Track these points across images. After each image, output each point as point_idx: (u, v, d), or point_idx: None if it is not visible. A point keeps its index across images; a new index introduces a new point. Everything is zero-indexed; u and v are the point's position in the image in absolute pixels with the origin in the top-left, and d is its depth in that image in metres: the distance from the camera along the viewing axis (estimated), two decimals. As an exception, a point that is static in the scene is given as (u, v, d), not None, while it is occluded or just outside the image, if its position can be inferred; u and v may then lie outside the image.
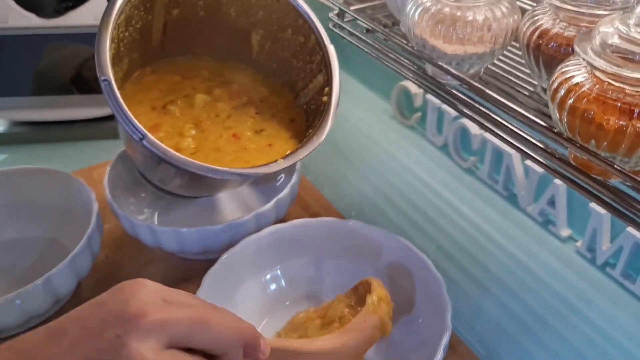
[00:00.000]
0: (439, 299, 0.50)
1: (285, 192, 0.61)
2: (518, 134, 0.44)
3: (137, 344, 0.30)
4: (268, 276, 0.57)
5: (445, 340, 0.46)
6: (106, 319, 0.31)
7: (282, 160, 0.52)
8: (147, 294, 0.33)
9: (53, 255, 0.64)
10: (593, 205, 0.63)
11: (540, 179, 0.69)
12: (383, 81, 0.93)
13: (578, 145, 0.39)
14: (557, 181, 0.66)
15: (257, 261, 0.57)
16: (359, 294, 0.50)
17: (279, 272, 0.58)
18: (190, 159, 0.47)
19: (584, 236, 0.66)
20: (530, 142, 0.43)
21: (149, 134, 0.46)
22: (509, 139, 0.44)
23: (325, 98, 0.56)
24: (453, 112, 0.80)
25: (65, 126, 0.87)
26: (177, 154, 0.47)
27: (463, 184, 0.78)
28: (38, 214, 0.67)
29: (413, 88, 0.85)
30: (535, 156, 0.43)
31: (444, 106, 0.81)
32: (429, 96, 0.82)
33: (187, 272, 0.63)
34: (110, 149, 0.85)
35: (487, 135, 0.75)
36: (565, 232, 0.69)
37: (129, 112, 0.46)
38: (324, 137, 0.53)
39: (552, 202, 0.69)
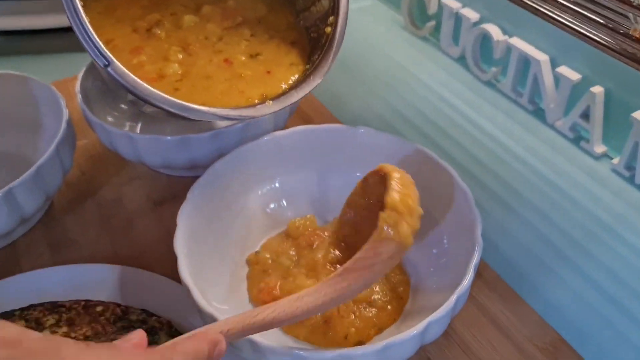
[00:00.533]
0: (467, 214, 0.43)
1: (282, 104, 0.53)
2: (571, 9, 0.35)
3: None
4: (265, 190, 0.50)
5: (476, 258, 0.39)
6: None
7: (270, 102, 0.45)
8: None
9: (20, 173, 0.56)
10: (636, 115, 0.55)
11: (573, 89, 0.61)
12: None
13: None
14: (594, 89, 0.58)
15: (253, 173, 0.49)
16: (370, 192, 0.40)
17: (277, 184, 0.50)
18: (163, 95, 0.41)
19: (621, 152, 0.58)
20: (588, 17, 0.35)
21: (115, 61, 0.40)
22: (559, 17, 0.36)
23: (328, 29, 0.48)
24: (473, 17, 0.71)
25: (39, 36, 0.77)
26: (148, 87, 0.40)
27: (483, 98, 0.70)
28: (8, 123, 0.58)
29: (427, -8, 0.75)
30: (592, 35, 0.35)
31: (463, 11, 0.71)
32: (446, 1, 0.73)
33: (173, 189, 0.56)
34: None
35: (513, 40, 0.66)
36: (600, 148, 0.61)
37: (92, 30, 0.40)
38: (321, 78, 0.46)
39: (585, 115, 0.61)
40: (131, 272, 0.47)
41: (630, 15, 0.34)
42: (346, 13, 0.49)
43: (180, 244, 0.41)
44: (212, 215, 0.46)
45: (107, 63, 0.39)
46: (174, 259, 0.48)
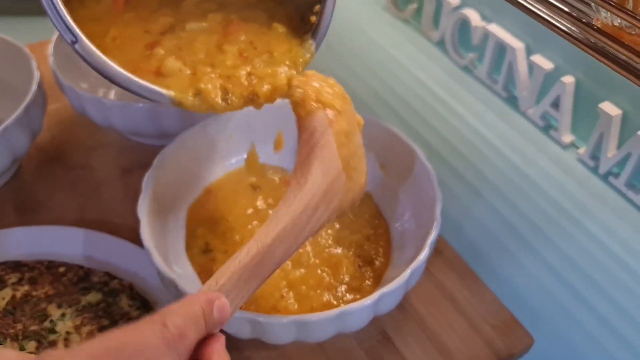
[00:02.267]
0: (429, 192, 0.44)
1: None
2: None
3: None
4: (234, 160, 0.50)
5: (433, 234, 0.40)
6: None
7: None
8: None
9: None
10: (603, 106, 0.56)
11: (546, 78, 0.62)
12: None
13: (614, 3, 0.32)
14: (565, 79, 0.59)
15: (224, 144, 0.49)
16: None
17: (246, 157, 0.51)
18: (131, 77, 0.37)
19: (587, 143, 0.59)
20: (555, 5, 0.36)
21: (83, 38, 0.37)
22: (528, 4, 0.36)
23: (313, 18, 0.46)
24: (454, 1, 0.71)
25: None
26: (117, 68, 0.37)
27: (459, 83, 0.70)
28: None
29: (410, -25, 0.75)
30: (558, 24, 0.36)
31: (444, -5, 0.72)
32: (428, -16, 0.73)
33: (143, 157, 0.55)
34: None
35: (491, 27, 0.66)
36: (567, 137, 0.62)
37: (60, 4, 0.37)
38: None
39: (555, 105, 0.61)
40: (96, 236, 0.47)
41: (592, 5, 0.35)
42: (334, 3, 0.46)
43: (143, 209, 0.41)
44: (176, 183, 0.46)
45: (74, 40, 0.37)
46: (139, 224, 0.48)
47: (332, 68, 0.72)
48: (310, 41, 0.45)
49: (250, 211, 0.47)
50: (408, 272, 0.38)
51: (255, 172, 0.50)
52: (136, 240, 0.48)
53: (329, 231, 0.46)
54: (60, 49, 0.55)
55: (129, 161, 0.56)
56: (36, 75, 0.51)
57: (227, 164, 0.50)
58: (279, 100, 0.50)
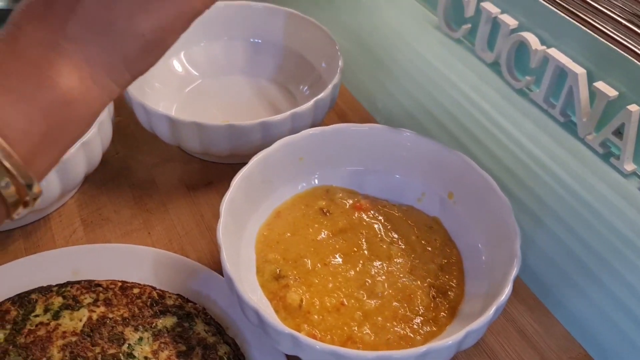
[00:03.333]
0: (505, 225, 0.43)
1: (325, 93, 0.53)
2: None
3: None
4: (304, 184, 0.50)
5: (514, 271, 0.40)
6: None
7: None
8: None
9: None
10: (671, 136, 0.55)
11: (609, 105, 0.61)
12: (430, -15, 0.83)
13: None
14: (631, 107, 0.58)
15: (293, 167, 0.49)
16: None
17: (316, 181, 0.50)
18: None
19: (651, 172, 0.59)
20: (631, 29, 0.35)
21: None
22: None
23: None
24: (512, 23, 0.70)
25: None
26: None
27: (514, 106, 0.70)
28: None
29: (466, -6, 0.75)
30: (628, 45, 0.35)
31: (501, 17, 0.71)
32: (485, 4, 0.73)
33: (208, 175, 0.56)
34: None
35: (551, 51, 0.66)
36: (629, 166, 0.61)
37: None
38: None
39: (618, 132, 0.61)
40: (166, 257, 0.47)
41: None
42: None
43: (223, 236, 0.41)
44: (248, 206, 0.46)
45: None
46: (207, 245, 0.49)
47: (385, 86, 0.72)
48: None
49: (320, 237, 0.47)
50: (493, 309, 0.38)
51: (324, 196, 0.50)
52: (203, 258, 0.48)
53: (401, 260, 0.46)
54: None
55: (192, 178, 0.56)
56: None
57: (296, 186, 0.50)
58: (348, 126, 0.50)
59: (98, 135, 0.49)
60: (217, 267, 0.47)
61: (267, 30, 0.64)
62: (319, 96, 0.52)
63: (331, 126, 0.50)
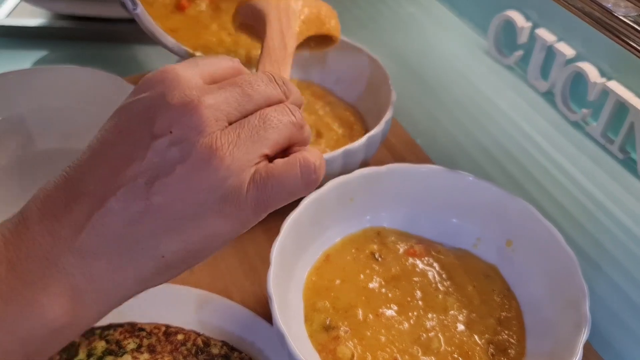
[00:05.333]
0: (570, 282, 0.41)
1: (378, 129, 0.51)
2: None
3: (203, 137, 0.25)
4: (354, 225, 0.48)
5: (584, 336, 0.37)
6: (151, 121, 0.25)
7: None
8: (186, 79, 0.26)
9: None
10: None
11: (674, 145, 0.58)
12: (480, 10, 0.81)
13: None
14: (699, 149, 0.55)
15: (344, 208, 0.47)
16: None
17: (367, 223, 0.48)
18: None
19: None
20: None
21: (141, 6, 0.44)
22: None
23: None
24: (568, 53, 0.67)
25: (113, 24, 0.76)
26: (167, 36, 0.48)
27: (568, 139, 0.67)
28: (82, 122, 0.57)
29: (520, 20, 0.72)
30: None
31: (558, 45, 0.68)
32: (540, 32, 0.70)
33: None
34: (166, 57, 0.75)
35: (611, 84, 0.63)
36: (695, 210, 0.58)
37: None
38: None
39: (683, 173, 0.57)
40: (210, 298, 0.45)
41: None
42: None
43: (274, 286, 0.39)
44: (297, 249, 0.44)
45: (134, 7, 0.42)
46: (251, 286, 0.47)
47: (433, 113, 0.69)
48: None
49: (372, 284, 0.45)
50: (563, 379, 0.35)
51: (376, 239, 0.48)
52: (247, 301, 0.47)
53: (457, 312, 0.43)
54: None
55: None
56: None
57: (346, 228, 0.48)
58: (402, 166, 0.48)
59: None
60: (263, 311, 0.45)
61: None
62: (372, 132, 0.50)
63: (385, 166, 0.47)
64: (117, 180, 0.25)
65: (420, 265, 0.46)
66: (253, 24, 0.45)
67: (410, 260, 0.47)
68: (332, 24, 0.48)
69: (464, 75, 0.75)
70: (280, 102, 0.28)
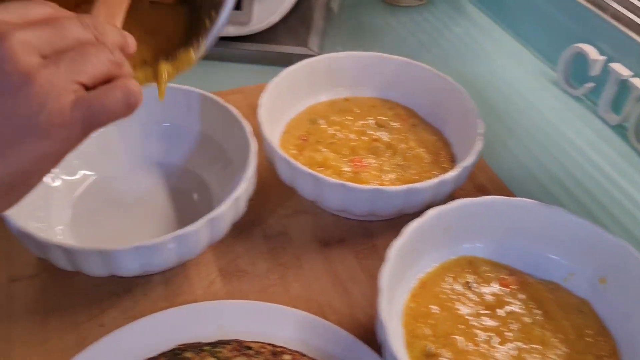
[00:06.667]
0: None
1: (470, 159, 0.53)
2: None
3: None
4: (449, 254, 0.49)
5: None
6: None
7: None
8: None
9: (186, 188, 0.57)
10: None
11: None
12: (548, 41, 0.82)
13: None
14: None
15: (440, 236, 0.48)
16: None
17: (461, 252, 0.49)
18: None
19: None
20: None
21: None
22: None
23: (207, 22, 0.45)
24: (645, 89, 0.68)
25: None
26: None
27: (642, 173, 0.67)
28: (174, 138, 0.59)
29: (593, 53, 0.73)
30: None
31: (633, 80, 0.69)
32: (614, 65, 0.71)
33: (340, 231, 0.56)
34: (242, 73, 0.77)
35: (690, 123, 0.63)
36: None
37: None
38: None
39: None
40: (308, 319, 0.46)
41: None
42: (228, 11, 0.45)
43: (386, 313, 0.40)
44: (396, 275, 0.45)
45: None
46: (345, 307, 0.49)
47: (503, 140, 0.70)
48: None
49: (468, 313, 0.46)
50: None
51: (469, 267, 0.49)
52: (343, 322, 0.48)
53: (554, 347, 0.44)
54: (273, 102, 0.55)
55: (325, 233, 0.55)
56: (253, 147, 0.51)
57: (441, 255, 0.49)
58: (500, 199, 0.49)
59: (247, 189, 0.49)
60: (359, 333, 0.47)
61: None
62: (466, 164, 0.52)
63: (482, 198, 0.49)
64: None
65: (514, 296, 0.47)
66: None
67: (504, 290, 0.48)
68: None
69: (532, 104, 0.76)
70: (93, 44, 0.31)
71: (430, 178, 0.56)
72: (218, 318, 0.46)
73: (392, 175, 0.56)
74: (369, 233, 0.56)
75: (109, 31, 0.33)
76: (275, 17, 0.77)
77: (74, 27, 0.31)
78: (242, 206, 0.49)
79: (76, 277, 0.50)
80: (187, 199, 0.56)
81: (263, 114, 0.55)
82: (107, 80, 0.31)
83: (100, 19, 0.36)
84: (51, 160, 0.30)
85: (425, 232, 0.47)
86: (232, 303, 0.47)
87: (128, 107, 0.31)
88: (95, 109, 0.30)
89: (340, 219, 0.57)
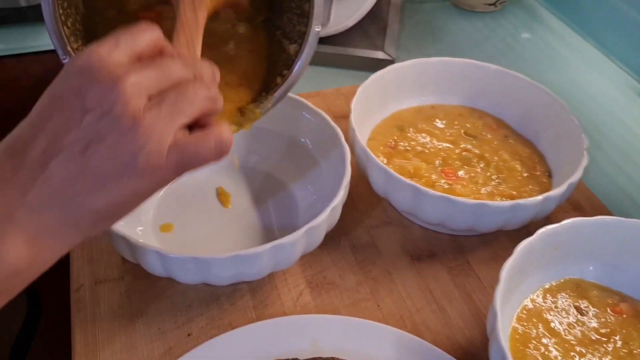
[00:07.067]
0: None
1: (577, 176, 0.49)
2: None
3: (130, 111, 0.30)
4: (555, 276, 0.46)
5: None
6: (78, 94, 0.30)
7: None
8: (108, 61, 0.31)
9: (267, 192, 0.55)
10: None
11: None
12: (634, 52, 0.78)
13: None
14: None
15: (547, 257, 0.45)
16: None
17: (567, 274, 0.46)
18: None
19: None
20: None
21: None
22: None
23: (279, 79, 0.47)
24: None
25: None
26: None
27: None
28: (258, 141, 0.57)
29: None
30: None
31: None
32: None
33: (431, 245, 0.53)
34: (317, 76, 0.75)
35: None
36: None
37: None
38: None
39: None
40: (404, 338, 0.44)
41: None
42: (302, 69, 0.47)
43: (506, 345, 0.38)
44: (504, 299, 0.43)
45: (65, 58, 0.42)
46: (442, 327, 0.47)
47: (595, 157, 0.67)
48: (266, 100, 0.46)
49: (578, 340, 0.43)
50: None
51: (576, 291, 0.46)
52: (439, 342, 0.46)
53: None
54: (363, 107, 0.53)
55: (415, 247, 0.53)
56: (348, 155, 0.49)
57: (546, 277, 0.46)
58: (618, 220, 0.46)
59: (343, 198, 0.47)
60: (458, 355, 0.44)
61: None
62: (572, 179, 0.49)
63: (594, 218, 0.46)
64: (57, 147, 0.30)
65: (627, 326, 0.44)
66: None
67: (615, 318, 0.44)
68: None
69: (617, 116, 0.73)
70: (191, 81, 0.33)
71: (528, 193, 0.53)
72: (312, 333, 0.44)
73: (487, 189, 0.53)
74: (460, 248, 0.53)
75: (203, 67, 0.35)
76: (352, 21, 0.74)
77: (177, 67, 0.33)
78: (337, 216, 0.47)
79: (160, 281, 0.48)
80: (268, 204, 0.54)
81: (355, 119, 0.53)
82: (204, 115, 0.33)
83: (182, 48, 0.38)
84: (142, 197, 0.32)
85: (534, 252, 0.44)
86: (326, 318, 0.45)
87: (219, 155, 0.33)
88: (188, 155, 0.32)
89: (429, 232, 0.54)
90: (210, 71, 0.35)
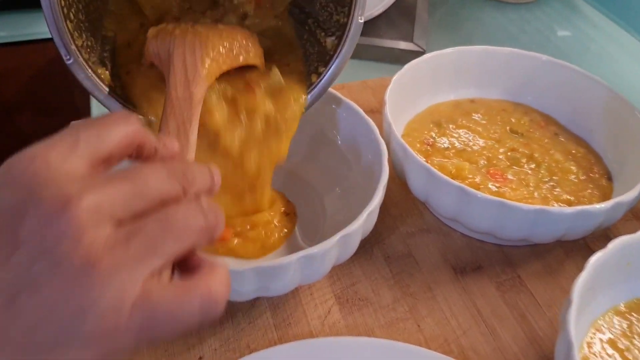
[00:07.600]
0: None
1: (635, 194, 0.43)
2: None
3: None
4: (627, 294, 0.40)
5: None
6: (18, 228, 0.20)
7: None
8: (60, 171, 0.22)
9: (291, 197, 0.49)
10: None
11: None
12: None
13: None
14: None
15: (620, 272, 0.39)
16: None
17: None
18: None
19: None
20: None
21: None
22: None
23: (314, 77, 0.43)
24: None
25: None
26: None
27: None
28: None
29: None
30: None
31: None
32: None
33: (475, 255, 0.47)
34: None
35: None
36: None
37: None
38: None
39: None
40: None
41: None
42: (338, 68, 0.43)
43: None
44: (575, 324, 0.36)
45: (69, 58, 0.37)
46: (492, 351, 0.41)
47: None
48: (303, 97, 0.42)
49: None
50: None
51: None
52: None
53: None
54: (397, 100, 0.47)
55: (458, 258, 0.46)
56: (385, 153, 0.43)
57: (618, 295, 0.40)
58: None
59: (379, 203, 0.40)
60: (516, 388, 0.38)
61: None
62: (619, 199, 0.42)
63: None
64: None
65: None
66: (159, 64, 0.38)
67: None
68: (249, 54, 0.41)
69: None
70: (179, 198, 0.24)
71: (587, 198, 0.46)
72: (343, 358, 0.38)
73: (540, 193, 0.46)
74: (508, 260, 0.46)
75: (198, 174, 0.25)
76: (378, 9, 0.68)
77: (157, 180, 0.23)
78: (373, 222, 0.41)
79: (168, 295, 0.42)
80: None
81: (390, 113, 0.46)
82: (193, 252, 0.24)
83: (171, 138, 0.30)
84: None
85: (606, 268, 0.38)
86: (360, 341, 0.39)
87: (204, 318, 0.23)
88: (160, 316, 0.22)
89: (473, 241, 0.48)
90: (207, 179, 0.26)
